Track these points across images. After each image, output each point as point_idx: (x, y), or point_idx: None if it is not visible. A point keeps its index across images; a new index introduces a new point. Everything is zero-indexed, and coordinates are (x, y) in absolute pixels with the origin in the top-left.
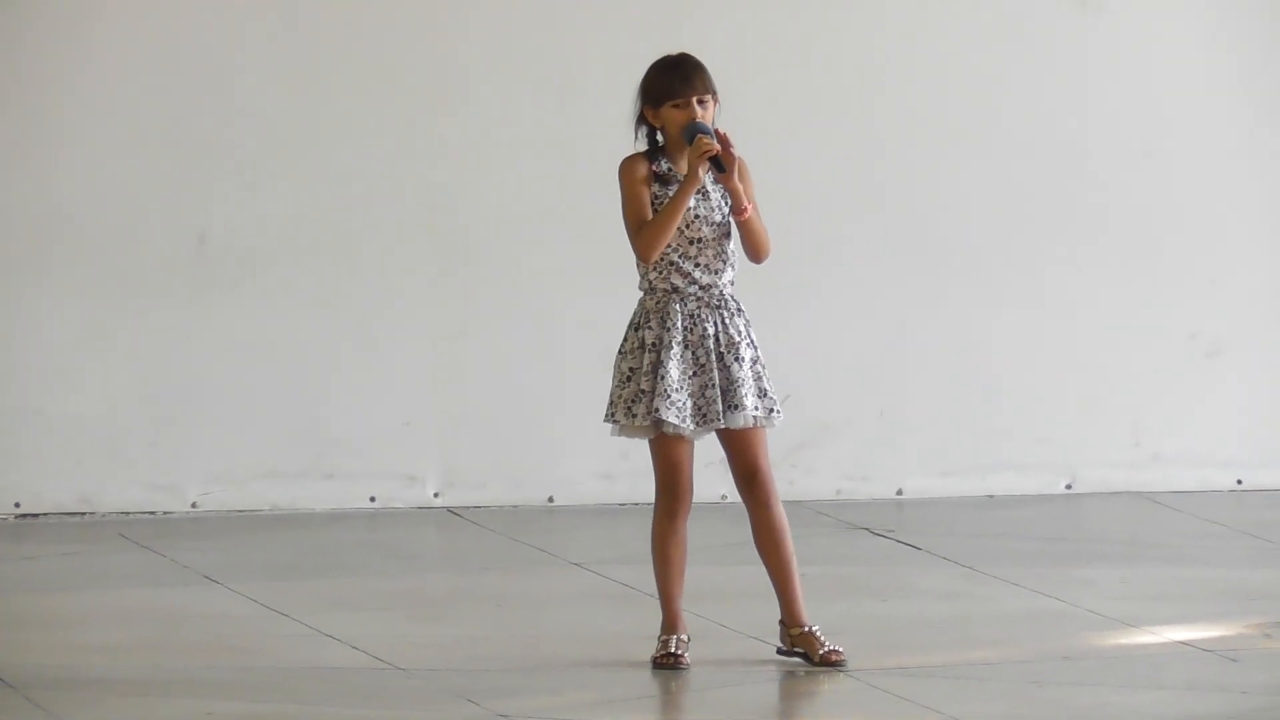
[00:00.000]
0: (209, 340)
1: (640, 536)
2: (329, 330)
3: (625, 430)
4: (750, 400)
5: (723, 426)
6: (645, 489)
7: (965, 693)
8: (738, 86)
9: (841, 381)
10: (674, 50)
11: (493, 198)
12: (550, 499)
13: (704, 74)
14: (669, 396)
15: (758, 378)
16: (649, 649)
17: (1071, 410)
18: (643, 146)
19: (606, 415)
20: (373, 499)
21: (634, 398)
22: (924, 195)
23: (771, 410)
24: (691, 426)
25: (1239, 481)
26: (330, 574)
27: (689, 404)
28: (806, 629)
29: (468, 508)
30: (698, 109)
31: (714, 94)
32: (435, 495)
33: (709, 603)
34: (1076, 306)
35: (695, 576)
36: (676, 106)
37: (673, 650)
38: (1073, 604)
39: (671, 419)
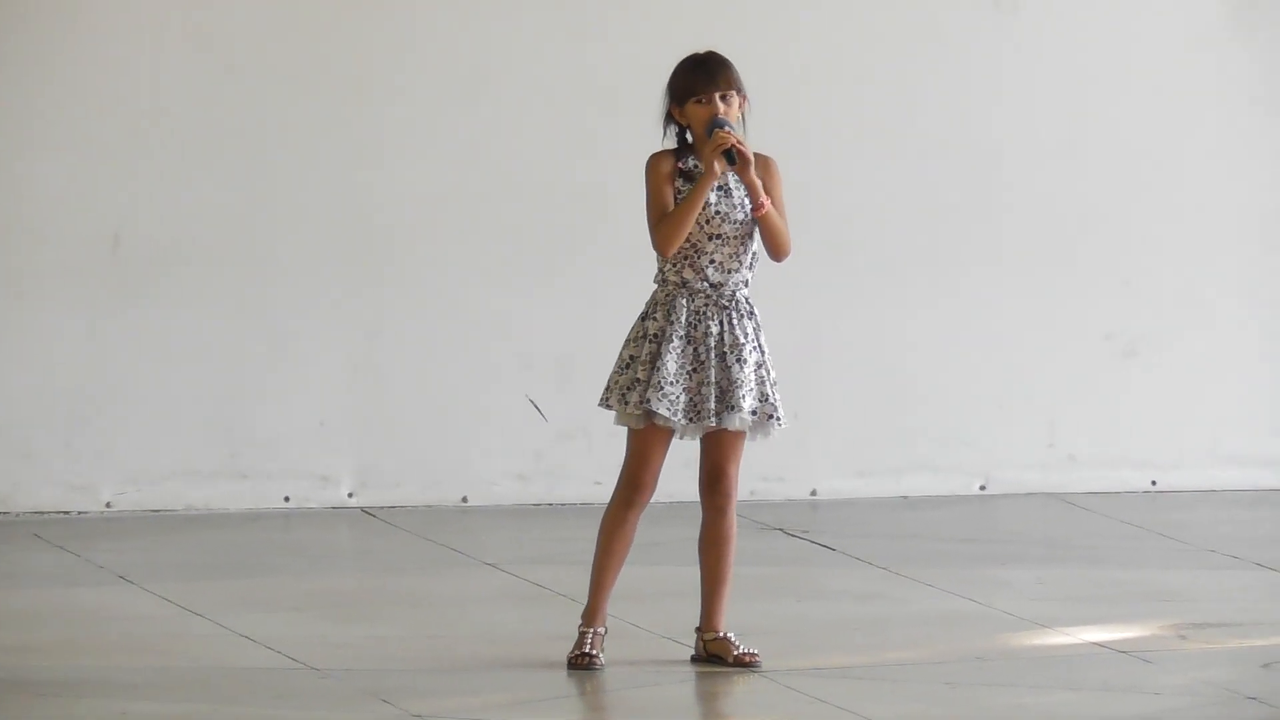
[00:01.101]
0: (123, 341)
1: (555, 537)
2: (243, 330)
3: (620, 417)
4: (748, 403)
5: (715, 426)
6: (561, 490)
7: (880, 694)
8: (657, 90)
9: None
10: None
11: (406, 198)
12: (464, 499)
13: (729, 70)
14: (662, 389)
15: (760, 381)
16: (564, 649)
17: (986, 411)
18: (671, 144)
19: (602, 399)
20: (287, 499)
21: (629, 386)
22: (838, 196)
23: (771, 416)
24: (683, 422)
25: (1153, 483)
26: (245, 574)
27: (682, 398)
28: (720, 635)
29: (382, 508)
30: (720, 104)
31: (740, 90)
32: (349, 495)
33: (625, 603)
34: (992, 307)
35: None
36: (699, 103)
37: (587, 650)
38: (988, 605)
39: (663, 411)
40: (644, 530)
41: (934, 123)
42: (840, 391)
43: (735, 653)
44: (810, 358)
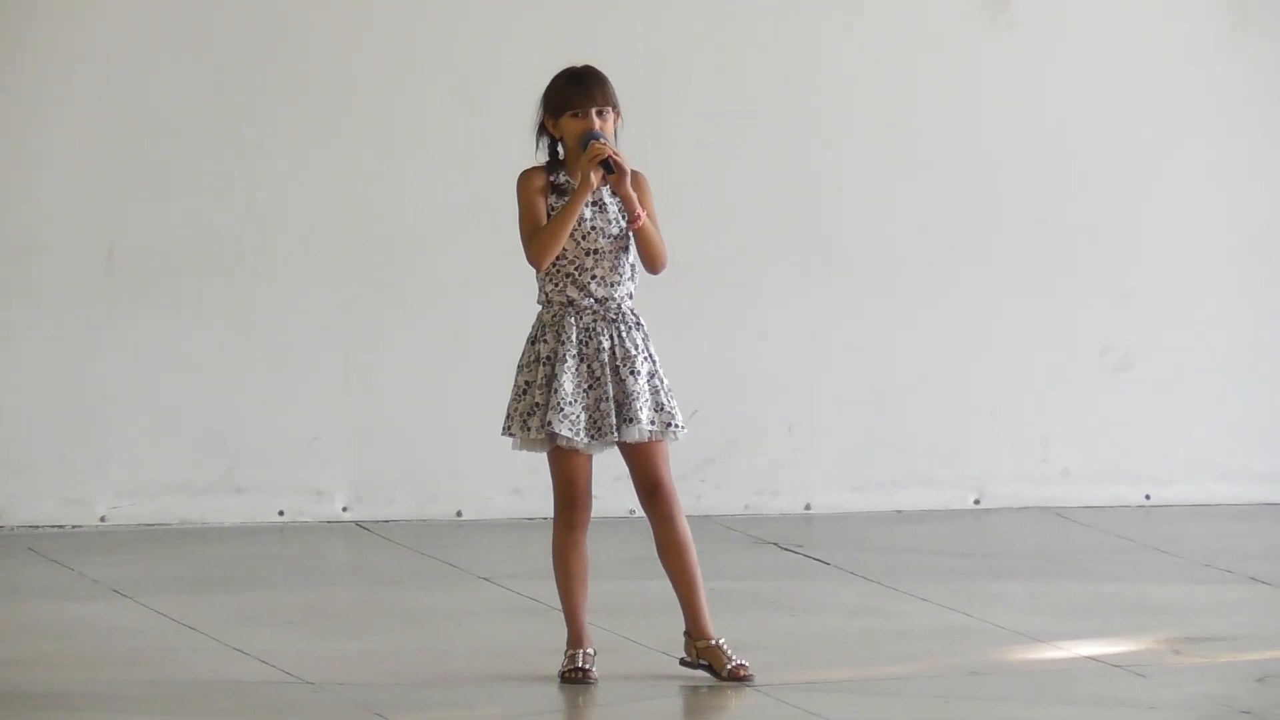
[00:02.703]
0: (118, 354)
1: (548, 551)
2: (238, 344)
3: (524, 443)
4: (645, 414)
5: (617, 440)
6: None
7: (873, 708)
8: (647, 98)
9: (750, 396)
10: (582, 61)
11: (402, 212)
12: (459, 513)
13: (605, 86)
14: (562, 409)
15: (655, 391)
16: (557, 663)
17: (981, 425)
18: (543, 158)
19: (504, 428)
20: (281, 513)
21: (529, 410)
22: (833, 210)
23: (669, 424)
24: (585, 440)
25: (1148, 497)
26: (239, 588)
27: (583, 417)
28: (713, 642)
29: (376, 522)
30: (596, 120)
31: (615, 107)
32: (344, 509)
33: (617, 617)
34: (986, 321)
35: (603, 591)
36: (575, 117)
37: (580, 665)
38: (981, 619)
39: (564, 432)
40: (635, 545)
41: (930, 136)
42: (834, 406)
43: (728, 666)
44: (804, 372)
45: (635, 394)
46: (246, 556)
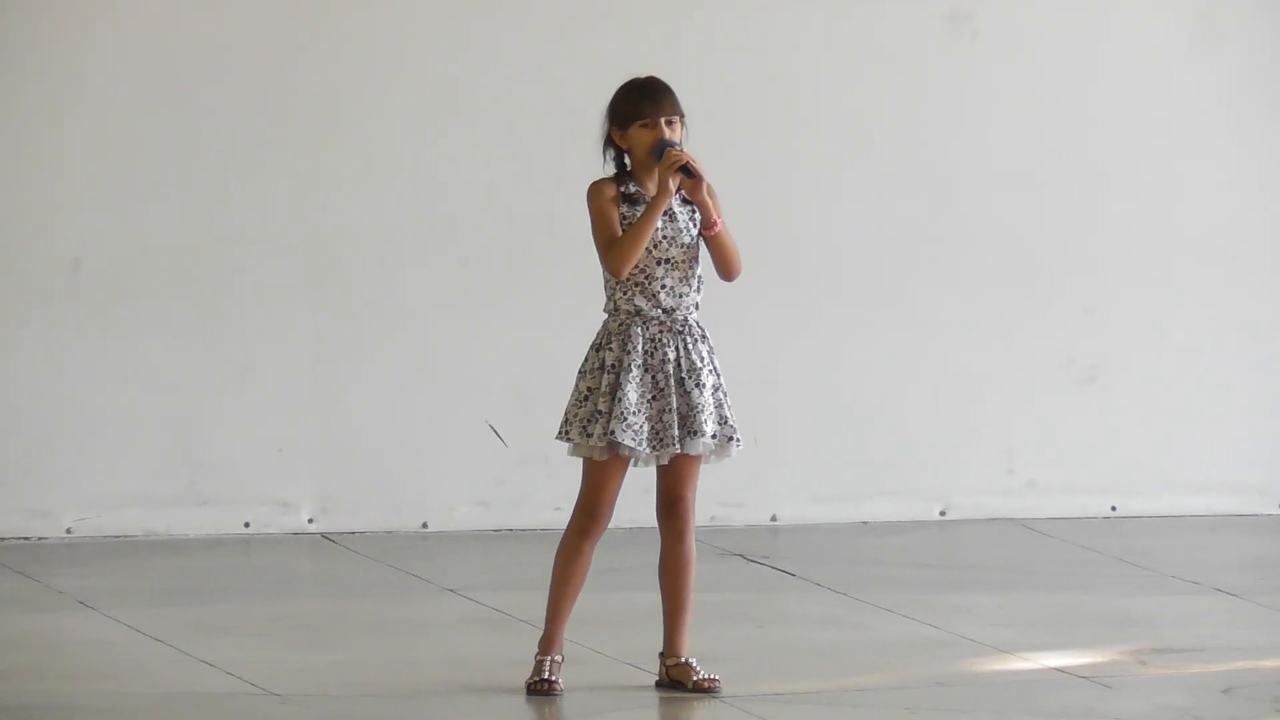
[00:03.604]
0: (83, 366)
1: (516, 563)
2: (203, 356)
3: (579, 449)
4: (710, 427)
5: (680, 452)
6: (521, 516)
7: (839, 719)
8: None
9: None
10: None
11: (366, 225)
12: (425, 525)
13: (672, 95)
14: (625, 419)
15: (719, 405)
16: (523, 675)
17: (947, 437)
18: (611, 169)
19: (560, 432)
20: (247, 525)
21: (590, 417)
22: (798, 221)
23: (730, 438)
24: (647, 450)
25: (1113, 508)
26: (205, 600)
27: (646, 428)
28: (682, 660)
29: (342, 534)
30: (665, 129)
31: (681, 115)
32: (310, 521)
33: (586, 628)
34: (951, 333)
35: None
36: (645, 127)
37: (547, 675)
38: (947, 630)
39: (628, 441)
40: (605, 556)
41: (893, 149)
42: (800, 417)
43: (695, 678)
44: (770, 383)
45: (700, 406)
46: (212, 568)
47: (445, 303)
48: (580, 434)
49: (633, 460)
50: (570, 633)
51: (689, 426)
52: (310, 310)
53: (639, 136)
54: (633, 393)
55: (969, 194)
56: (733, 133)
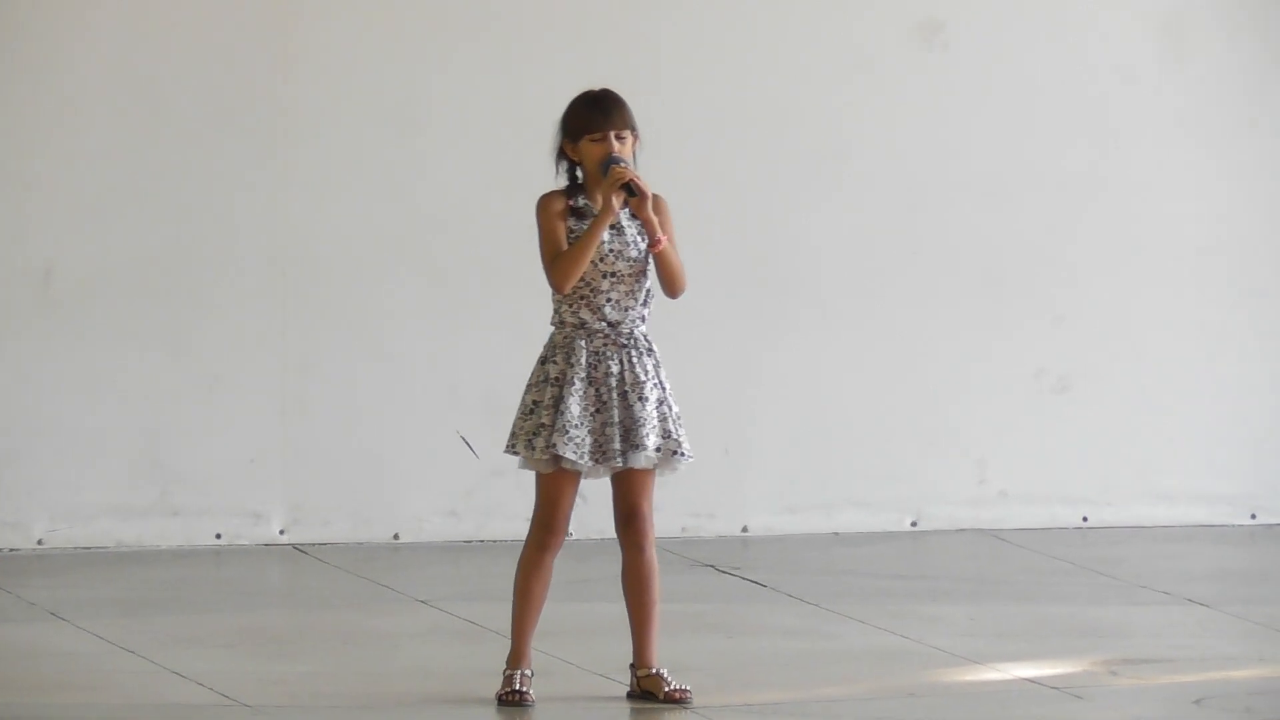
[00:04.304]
0: (54, 376)
1: (486, 574)
2: (174, 367)
3: (527, 462)
4: (652, 440)
5: (621, 466)
6: (491, 527)
7: None
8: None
9: (686, 418)
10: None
11: (337, 235)
12: (396, 536)
13: (624, 109)
14: (568, 432)
15: (663, 418)
16: (494, 686)
17: (918, 447)
18: (563, 181)
19: (508, 446)
20: (218, 536)
21: (535, 431)
22: (770, 231)
23: (675, 452)
24: (589, 464)
25: (1085, 519)
26: (176, 611)
27: (588, 441)
28: (653, 671)
29: (313, 544)
30: (615, 143)
31: (634, 130)
32: (281, 532)
33: (554, 639)
34: (922, 343)
35: (542, 613)
36: (595, 140)
37: (518, 687)
38: (919, 641)
39: (569, 455)
40: (574, 567)
41: (864, 160)
42: (771, 428)
43: (666, 689)
44: (740, 394)
45: (643, 420)
46: (183, 579)
47: (416, 314)
48: (525, 447)
49: (583, 474)
50: (540, 644)
51: (631, 440)
52: (281, 321)
53: (589, 150)
54: (575, 406)
55: (940, 205)
56: (705, 142)
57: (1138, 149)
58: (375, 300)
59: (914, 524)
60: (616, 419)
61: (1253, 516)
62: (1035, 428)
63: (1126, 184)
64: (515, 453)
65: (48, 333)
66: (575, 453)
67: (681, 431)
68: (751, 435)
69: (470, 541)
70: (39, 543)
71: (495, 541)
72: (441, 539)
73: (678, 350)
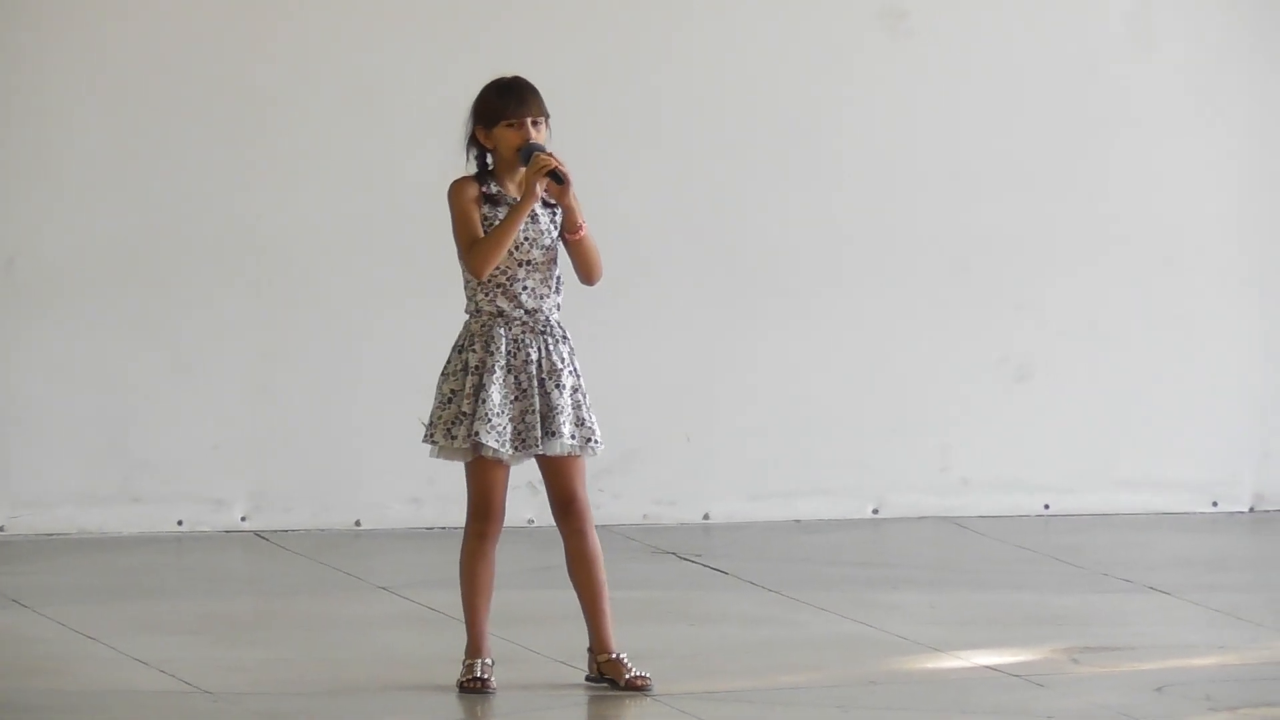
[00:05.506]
0: (16, 363)
1: (448, 561)
2: (136, 354)
3: (444, 452)
4: (568, 429)
5: (540, 453)
6: (453, 514)
7: (772, 717)
8: (556, 113)
9: (648, 406)
10: (503, 72)
11: (298, 222)
12: (357, 523)
13: (538, 96)
14: (489, 420)
15: (577, 406)
16: (456, 673)
17: (879, 435)
18: (473, 169)
19: (425, 435)
20: (180, 522)
21: (454, 420)
22: (732, 219)
23: (589, 440)
24: (510, 451)
25: (1046, 506)
26: (138, 597)
27: (509, 428)
28: (613, 656)
29: (275, 531)
30: (532, 130)
31: (547, 116)
32: (242, 519)
33: (516, 627)
34: (884, 331)
35: (502, 600)
36: (510, 127)
37: (479, 675)
38: (880, 628)
39: (491, 443)
40: (535, 554)
41: (825, 147)
42: (732, 415)
43: (627, 675)
44: (702, 381)
45: (560, 408)
46: (145, 566)
47: (378, 301)
48: (445, 436)
49: (504, 462)
50: (502, 631)
51: (548, 427)
52: (244, 309)
53: (504, 136)
54: (496, 394)
55: (902, 191)
56: (665, 130)
57: (1104, 138)
58: (339, 288)
59: (876, 511)
60: (536, 406)
61: (1214, 504)
62: (997, 416)
63: (1091, 174)
64: (434, 442)
65: (10, 321)
66: (497, 441)
67: (594, 419)
68: (714, 423)
69: (432, 528)
70: (1, 529)
71: (457, 528)
72: (403, 526)
73: (638, 338)
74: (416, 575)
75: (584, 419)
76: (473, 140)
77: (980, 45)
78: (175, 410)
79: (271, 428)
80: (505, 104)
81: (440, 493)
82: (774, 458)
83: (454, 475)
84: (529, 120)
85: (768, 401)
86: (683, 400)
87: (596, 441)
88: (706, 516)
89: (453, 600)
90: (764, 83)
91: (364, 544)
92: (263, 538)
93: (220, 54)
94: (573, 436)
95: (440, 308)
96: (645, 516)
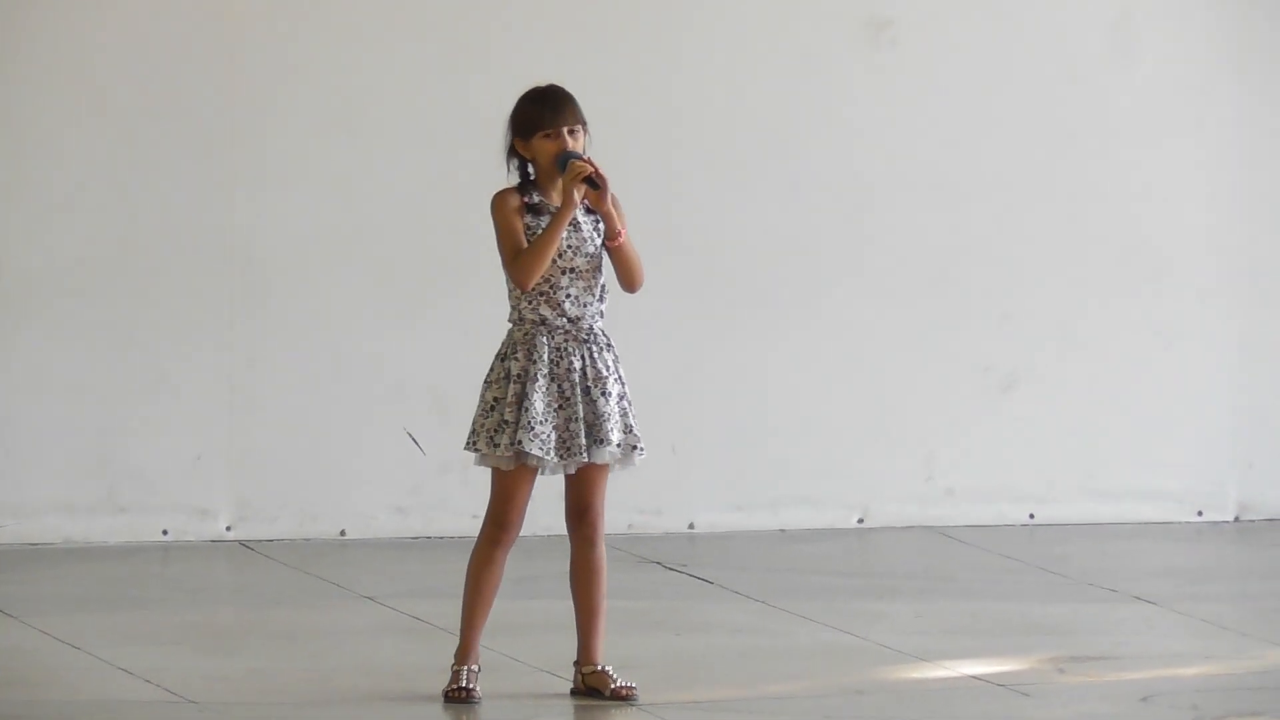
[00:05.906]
0: (0, 373)
1: (433, 570)
2: (121, 363)
3: (486, 459)
4: (615, 435)
5: (586, 461)
6: (438, 524)
7: None
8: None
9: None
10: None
11: (282, 232)
12: (342, 532)
13: (573, 104)
14: (533, 428)
15: (624, 414)
16: (441, 682)
17: (864, 444)
18: (515, 179)
19: (468, 443)
20: (165, 532)
21: (497, 427)
22: (715, 229)
23: (635, 447)
24: (555, 459)
25: (1031, 516)
26: (122, 607)
27: (553, 437)
28: (599, 668)
29: (260, 541)
30: (568, 139)
31: (584, 123)
32: (227, 529)
33: (501, 636)
34: (869, 340)
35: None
36: (547, 137)
37: (464, 684)
38: (865, 638)
39: (535, 451)
40: (520, 564)
41: (811, 155)
42: (717, 424)
43: (612, 686)
44: (687, 391)
45: (607, 415)
46: (130, 576)
47: (362, 310)
48: (488, 444)
49: (540, 469)
50: (487, 641)
51: (595, 435)
52: (227, 318)
53: (542, 147)
54: (539, 402)
55: (886, 201)
56: (652, 140)
57: (1085, 148)
58: (322, 298)
59: (861, 521)
60: (581, 414)
61: (1199, 514)
62: (982, 425)
63: (1072, 182)
64: (476, 449)
65: None
66: (541, 449)
67: (638, 427)
68: (699, 432)
69: (417, 538)
70: None
71: (442, 538)
72: (388, 535)
73: (626, 346)
74: (402, 585)
75: (630, 426)
76: (512, 151)
77: (963, 55)
78: (160, 420)
79: (256, 437)
80: (540, 115)
81: (425, 502)
82: (759, 467)
83: (439, 485)
84: (565, 129)
85: (752, 411)
86: (667, 410)
87: (640, 449)
88: (691, 526)
89: (438, 609)
90: (746, 92)
91: (349, 554)
92: (248, 547)
93: (200, 65)
94: (619, 444)
95: (423, 319)
96: (630, 526)
